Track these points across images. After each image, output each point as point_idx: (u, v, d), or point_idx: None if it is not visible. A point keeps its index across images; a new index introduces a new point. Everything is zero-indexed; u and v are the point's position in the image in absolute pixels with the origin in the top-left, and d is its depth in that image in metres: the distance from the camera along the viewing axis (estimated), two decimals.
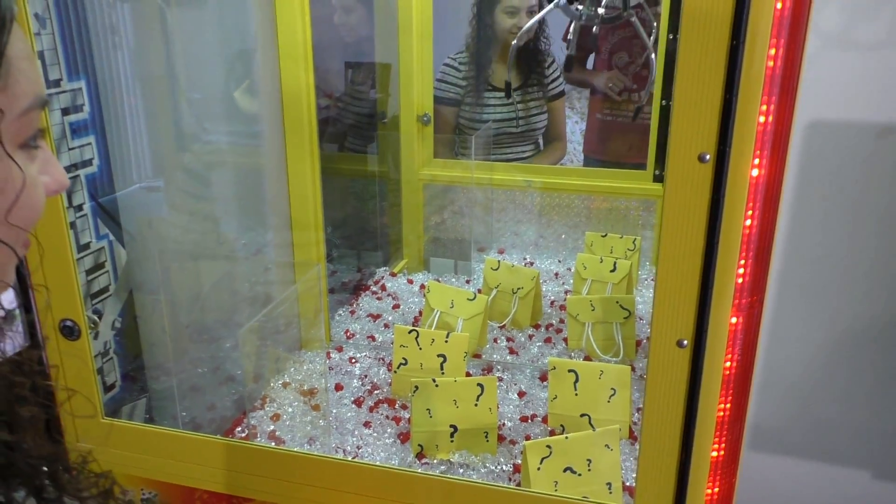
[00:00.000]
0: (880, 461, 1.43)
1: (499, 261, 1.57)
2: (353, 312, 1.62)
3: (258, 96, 1.41)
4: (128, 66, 1.35)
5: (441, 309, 1.45)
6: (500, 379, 1.35)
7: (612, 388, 1.15)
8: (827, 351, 1.43)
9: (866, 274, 1.44)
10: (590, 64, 2.22)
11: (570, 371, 1.17)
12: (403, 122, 1.86)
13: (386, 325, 1.56)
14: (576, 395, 1.17)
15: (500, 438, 1.17)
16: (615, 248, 1.72)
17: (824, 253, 1.42)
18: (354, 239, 1.96)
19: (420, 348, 1.28)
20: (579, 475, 0.99)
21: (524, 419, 1.23)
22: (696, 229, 0.58)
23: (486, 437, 1.13)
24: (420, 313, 1.60)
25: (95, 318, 0.88)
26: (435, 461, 1.12)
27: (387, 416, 1.24)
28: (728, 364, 0.61)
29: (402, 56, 1.79)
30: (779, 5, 0.48)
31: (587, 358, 1.40)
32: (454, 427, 1.12)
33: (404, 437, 1.18)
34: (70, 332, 0.86)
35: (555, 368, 1.17)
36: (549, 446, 0.98)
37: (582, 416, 1.17)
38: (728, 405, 0.63)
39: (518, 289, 1.54)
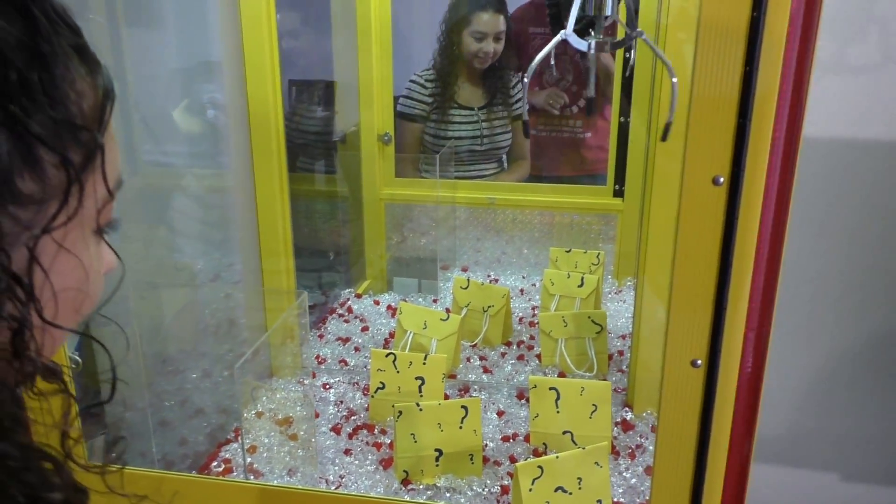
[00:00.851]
0: (850, 465, 1.49)
1: (468, 279, 1.57)
2: (321, 336, 1.59)
3: (202, 115, 1.37)
4: None
5: (414, 330, 1.44)
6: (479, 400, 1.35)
7: (593, 405, 1.16)
8: (808, 365, 1.49)
9: (853, 287, 1.50)
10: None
11: (550, 389, 1.17)
12: (364, 141, 1.85)
13: (356, 349, 1.54)
14: (557, 412, 1.17)
15: (485, 460, 1.16)
16: (580, 262, 1.74)
17: (816, 267, 1.47)
18: (316, 261, 1.93)
19: (398, 371, 1.26)
20: (570, 494, 0.99)
21: (506, 439, 1.22)
22: (710, 251, 0.59)
23: (472, 459, 1.12)
24: (390, 335, 1.58)
25: (77, 358, 0.83)
26: (421, 486, 1.11)
27: (367, 443, 1.22)
28: (741, 381, 0.62)
29: (361, 75, 1.78)
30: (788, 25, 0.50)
31: (561, 374, 1.41)
32: (439, 451, 1.11)
33: (386, 463, 1.16)
34: (52, 373, 0.81)
35: (535, 387, 1.17)
36: (540, 467, 0.97)
37: (564, 433, 1.17)
38: (741, 421, 0.64)
39: (489, 307, 1.54)
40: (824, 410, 1.50)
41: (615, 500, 1.06)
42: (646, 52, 1.32)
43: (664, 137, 0.62)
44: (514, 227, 1.96)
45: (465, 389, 1.38)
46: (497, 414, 1.30)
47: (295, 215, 1.78)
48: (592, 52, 0.68)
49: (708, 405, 0.64)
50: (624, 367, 1.45)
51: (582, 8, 0.69)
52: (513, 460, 1.16)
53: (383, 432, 1.25)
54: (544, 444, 1.19)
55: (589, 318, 1.42)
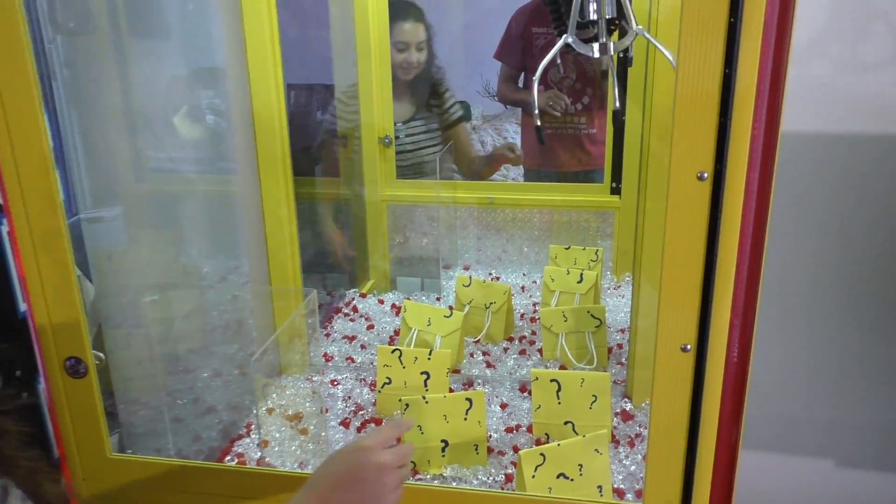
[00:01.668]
0: (841, 451, 1.53)
1: (470, 277, 1.61)
2: (328, 335, 1.63)
3: (208, 121, 1.41)
4: (84, 100, 1.34)
5: (418, 327, 1.47)
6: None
7: (593, 395, 1.20)
8: (796, 354, 1.52)
9: (826, 273, 1.53)
10: (521, 82, 2.30)
11: (552, 381, 1.21)
12: (365, 143, 1.89)
13: (363, 346, 1.58)
14: (559, 403, 1.21)
15: (489, 450, 1.20)
16: (578, 259, 1.78)
17: (805, 258, 1.51)
18: (321, 262, 1.96)
19: (403, 367, 1.30)
20: (572, 480, 1.03)
21: (509, 430, 1.26)
22: (697, 242, 0.62)
23: (476, 449, 1.16)
24: (396, 332, 1.62)
25: (101, 354, 0.87)
26: (428, 476, 1.14)
27: None
28: (728, 366, 0.66)
29: (361, 80, 1.83)
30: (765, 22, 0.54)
31: (562, 367, 1.45)
32: (445, 442, 1.15)
33: None
34: (75, 370, 0.85)
35: (538, 379, 1.21)
36: (542, 454, 1.01)
37: (566, 423, 1.21)
38: (729, 404, 0.68)
39: (491, 303, 1.58)
40: (814, 399, 1.54)
41: (615, 486, 1.10)
42: (638, 51, 1.36)
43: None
44: (514, 226, 2.00)
45: (468, 383, 1.42)
46: (500, 406, 1.34)
47: (299, 218, 1.83)
48: (599, 55, 0.71)
49: (698, 388, 0.67)
50: (623, 360, 1.49)
51: (581, 11, 0.73)
52: (516, 450, 1.20)
53: None
54: (546, 434, 1.23)
55: (588, 312, 1.45)
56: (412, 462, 1.15)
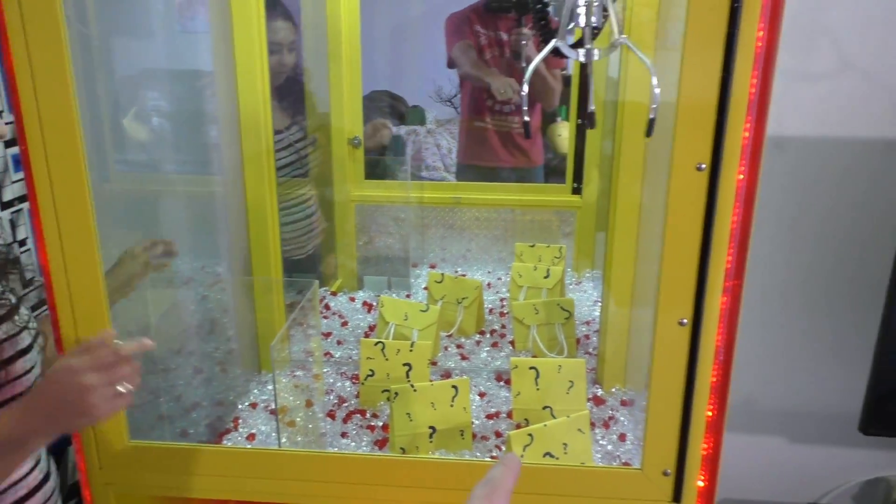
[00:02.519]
0: (794, 428, 1.66)
1: (442, 274, 1.67)
2: (305, 332, 1.66)
3: (195, 124, 1.43)
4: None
5: (396, 322, 1.52)
6: None
7: (569, 381, 1.27)
8: (744, 333, 1.64)
9: (778, 260, 1.66)
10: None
11: (530, 368, 1.27)
12: (335, 144, 1.92)
13: (339, 342, 1.61)
14: (537, 389, 1.28)
15: (473, 435, 1.25)
16: (543, 256, 1.86)
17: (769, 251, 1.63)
18: (291, 261, 1.99)
19: (386, 359, 1.35)
20: (557, 458, 1.09)
21: (490, 416, 1.32)
22: (694, 226, 0.70)
23: (462, 434, 1.22)
24: (370, 328, 1.66)
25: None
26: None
27: (361, 426, 1.30)
28: (719, 338, 0.74)
29: (332, 82, 1.86)
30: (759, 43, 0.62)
31: (535, 357, 1.52)
32: (433, 428, 1.20)
33: (381, 444, 1.25)
34: None
35: (517, 367, 1.28)
36: (530, 434, 1.08)
37: (544, 408, 1.28)
38: (719, 373, 0.75)
39: (463, 298, 1.64)
40: (767, 379, 1.66)
41: (596, 464, 1.17)
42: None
43: (649, 133, 0.72)
44: (479, 226, 2.07)
45: (446, 375, 1.47)
46: (479, 395, 1.40)
47: None
48: (585, 61, 0.78)
49: (692, 359, 0.75)
50: (591, 350, 1.57)
51: (570, 17, 0.80)
52: (498, 435, 1.26)
53: (375, 416, 1.33)
54: (525, 419, 1.29)
55: (558, 305, 1.53)
56: (401, 448, 1.20)
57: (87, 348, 0.83)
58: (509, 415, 1.32)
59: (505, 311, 1.76)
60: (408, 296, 1.87)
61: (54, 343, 0.97)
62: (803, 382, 1.67)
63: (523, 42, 2.07)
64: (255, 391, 1.42)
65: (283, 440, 1.25)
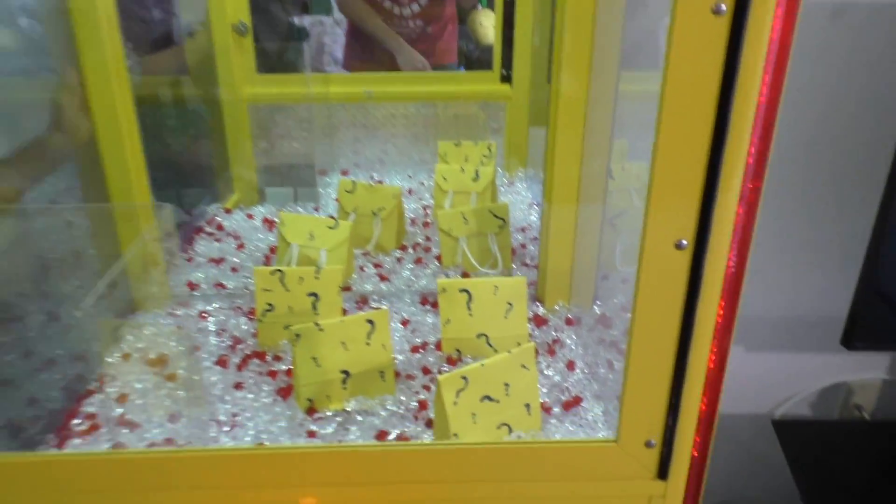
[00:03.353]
0: (751, 337, 1.53)
1: (353, 182, 1.42)
2: (190, 260, 1.39)
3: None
4: None
5: (299, 242, 1.27)
6: (379, 309, 1.22)
7: (508, 303, 1.07)
8: None
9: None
10: None
11: (461, 291, 1.06)
12: (216, 33, 1.59)
13: (233, 269, 1.36)
14: (470, 315, 1.07)
15: (396, 374, 1.05)
16: (470, 156, 1.62)
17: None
18: (174, 177, 1.68)
19: (287, 290, 1.11)
20: (497, 402, 0.90)
21: (415, 349, 1.12)
22: (706, 102, 0.47)
23: (382, 376, 1.01)
24: (271, 250, 1.41)
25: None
26: (329, 413, 0.98)
27: (259, 373, 1.07)
28: (730, 265, 0.53)
29: None
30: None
31: (465, 274, 1.31)
32: (346, 372, 0.99)
33: (285, 393, 1.03)
34: None
35: (445, 290, 1.06)
36: (464, 377, 0.87)
37: (479, 336, 1.08)
38: (726, 309, 0.55)
39: (379, 209, 1.40)
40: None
41: (542, 401, 0.99)
42: None
43: None
44: (395, 124, 1.81)
45: (363, 301, 1.25)
46: (402, 324, 1.18)
47: (143, 127, 1.53)
48: None
49: (693, 290, 0.54)
50: (528, 261, 1.37)
51: None
52: (426, 372, 1.06)
53: (277, 359, 1.10)
54: (457, 350, 1.09)
55: (490, 212, 1.31)
56: (308, 400, 0.98)
57: None
58: (438, 346, 1.12)
59: (429, 222, 1.53)
60: (316, 209, 1.61)
61: None
62: (760, 290, 1.53)
63: None
64: (130, 338, 1.16)
65: (166, 400, 1.01)
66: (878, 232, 1.07)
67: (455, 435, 0.88)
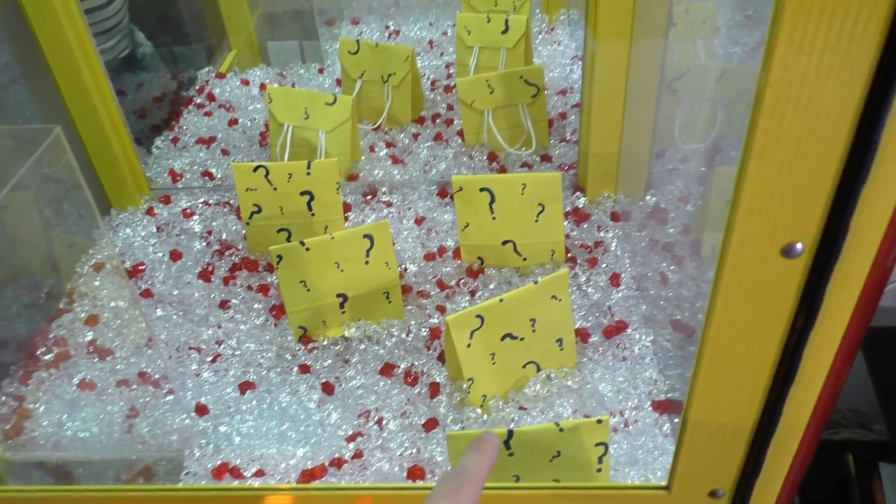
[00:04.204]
0: None
1: (357, 41, 1.18)
2: (175, 140, 1.21)
3: None
4: None
5: (293, 123, 1.07)
6: (390, 205, 1.04)
7: (539, 205, 0.87)
8: None
9: None
10: None
11: (482, 190, 0.87)
12: None
13: (224, 152, 1.17)
14: (493, 219, 0.88)
15: (405, 290, 0.89)
16: None
17: None
18: (158, 34, 1.45)
19: (275, 188, 0.93)
20: (522, 339, 0.74)
21: (430, 257, 0.94)
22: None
23: (388, 297, 0.85)
24: (267, 128, 1.21)
25: None
26: (325, 342, 0.84)
27: (249, 287, 0.93)
28: (871, 280, 0.33)
29: None
30: None
31: (492, 155, 1.10)
32: (343, 296, 0.83)
33: (279, 312, 0.88)
34: None
35: (461, 189, 0.87)
36: (479, 316, 0.71)
37: (504, 243, 0.90)
38: (852, 338, 0.36)
39: (389, 75, 1.17)
40: None
41: (578, 327, 0.82)
42: None
43: None
44: None
45: (371, 193, 1.07)
46: (415, 222, 1.00)
47: None
48: None
49: (809, 312, 0.34)
50: (568, 136, 1.15)
51: None
52: (442, 286, 0.90)
53: (270, 269, 0.95)
54: (479, 258, 0.92)
55: (521, 77, 1.07)
56: (301, 328, 0.84)
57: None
58: (456, 254, 0.94)
59: (452, 85, 1.29)
60: (320, 70, 1.38)
61: None
62: None
63: None
64: (103, 241, 1.01)
65: (138, 317, 0.88)
66: None
67: (471, 380, 0.73)
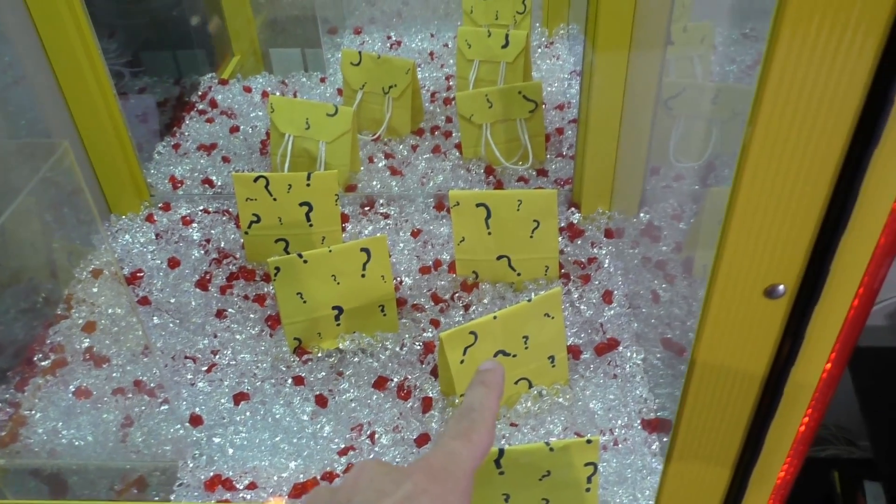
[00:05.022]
0: None
1: (359, 53, 1.19)
2: (176, 147, 1.22)
3: None
4: None
5: (294, 133, 1.08)
6: (387, 216, 1.05)
7: (534, 221, 0.88)
8: None
9: None
10: None
11: (478, 206, 0.88)
12: None
13: (225, 159, 1.18)
14: (489, 234, 0.89)
15: (400, 303, 0.90)
16: (501, 11, 1.35)
17: None
18: (163, 39, 1.46)
19: (274, 198, 0.94)
20: (514, 356, 0.75)
21: (425, 270, 0.95)
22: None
23: (383, 310, 0.86)
24: (268, 135, 1.22)
25: None
26: (320, 354, 0.85)
27: (245, 296, 0.93)
28: (849, 310, 0.34)
29: None
30: None
31: (489, 168, 1.11)
32: (339, 308, 0.84)
33: (274, 322, 0.89)
34: None
35: (458, 204, 0.88)
36: (473, 332, 0.72)
37: (499, 258, 0.91)
38: (832, 374, 0.37)
39: (390, 86, 1.18)
40: None
41: (570, 343, 0.83)
42: None
43: None
44: None
45: (368, 204, 1.08)
46: (412, 234, 1.01)
47: None
48: None
49: (790, 351, 0.35)
50: (565, 151, 1.16)
51: None
52: (436, 300, 0.91)
53: (267, 279, 0.96)
54: (474, 272, 0.93)
55: (520, 93, 1.08)
56: (296, 339, 0.85)
57: None
58: (451, 268, 0.95)
59: (451, 97, 1.30)
60: (322, 79, 1.39)
61: None
62: None
63: None
64: (102, 248, 1.02)
65: (135, 324, 0.88)
66: None
67: (463, 396, 0.74)
